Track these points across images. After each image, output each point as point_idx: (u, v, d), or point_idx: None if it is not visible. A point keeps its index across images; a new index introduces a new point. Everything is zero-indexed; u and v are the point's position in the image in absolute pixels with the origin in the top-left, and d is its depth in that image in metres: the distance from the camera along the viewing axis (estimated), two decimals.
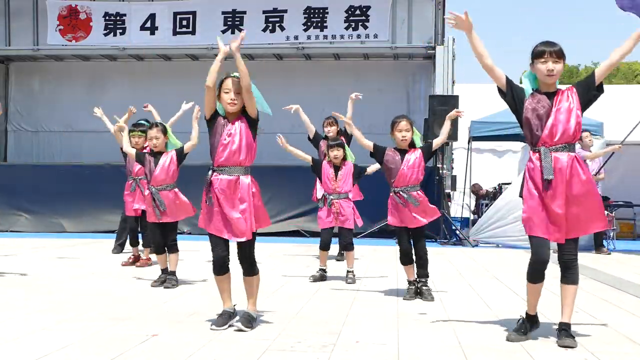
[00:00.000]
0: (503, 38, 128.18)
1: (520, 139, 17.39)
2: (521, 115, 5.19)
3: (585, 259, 11.03)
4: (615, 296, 7.20)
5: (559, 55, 5.09)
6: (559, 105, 5.09)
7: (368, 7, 16.81)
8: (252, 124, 5.56)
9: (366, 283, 8.16)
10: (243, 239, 5.40)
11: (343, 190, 8.48)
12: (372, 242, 13.49)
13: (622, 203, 16.91)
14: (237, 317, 5.49)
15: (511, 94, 5.26)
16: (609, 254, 12.47)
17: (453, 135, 14.26)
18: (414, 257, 7.14)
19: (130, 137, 8.77)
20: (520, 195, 5.27)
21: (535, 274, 5.15)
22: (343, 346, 4.83)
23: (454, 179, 17.15)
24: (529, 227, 5.10)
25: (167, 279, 7.67)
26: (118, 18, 17.70)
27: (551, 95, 5.15)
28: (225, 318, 5.45)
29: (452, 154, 18.15)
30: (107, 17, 17.74)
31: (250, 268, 5.55)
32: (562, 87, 5.35)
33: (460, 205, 20.76)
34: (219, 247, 5.50)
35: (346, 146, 8.64)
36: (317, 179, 9.16)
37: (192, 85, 17.91)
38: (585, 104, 5.16)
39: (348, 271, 8.40)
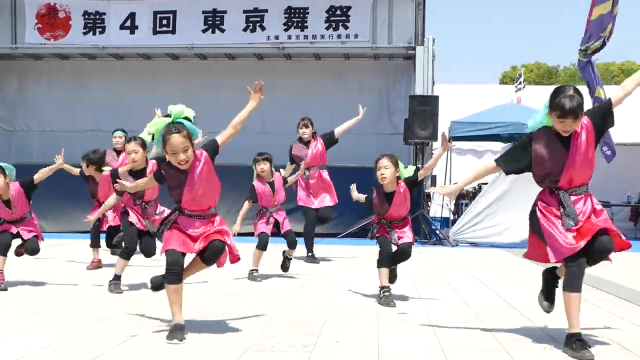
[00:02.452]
0: (481, 37, 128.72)
1: (500, 139, 17.52)
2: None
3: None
4: (593, 295, 7.24)
5: (578, 117, 4.88)
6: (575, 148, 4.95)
7: (349, 8, 16.81)
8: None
9: (346, 283, 8.16)
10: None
11: (279, 202, 8.82)
12: (352, 242, 13.51)
13: (600, 203, 17.01)
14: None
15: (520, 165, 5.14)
16: None
17: (433, 136, 14.33)
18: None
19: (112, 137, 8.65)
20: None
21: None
22: (323, 346, 4.83)
23: (434, 179, 17.22)
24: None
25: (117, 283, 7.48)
26: (98, 17, 17.58)
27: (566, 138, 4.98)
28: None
29: (432, 154, 18.19)
30: (86, 16, 17.61)
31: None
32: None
33: (440, 205, 20.87)
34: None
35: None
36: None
37: (172, 85, 18.03)
38: (599, 137, 5.07)
39: (288, 258, 8.76)
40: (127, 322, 5.61)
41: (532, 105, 17.03)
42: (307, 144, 10.65)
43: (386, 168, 6.74)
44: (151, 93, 17.21)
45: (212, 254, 5.34)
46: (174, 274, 5.21)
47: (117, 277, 7.42)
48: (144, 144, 7.36)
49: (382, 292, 6.78)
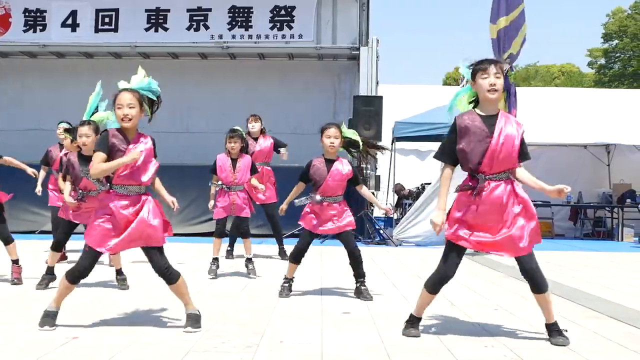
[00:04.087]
0: (425, 38, 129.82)
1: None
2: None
3: (505, 258, 11.26)
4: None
5: (497, 63, 5.08)
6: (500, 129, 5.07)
7: (293, 8, 16.84)
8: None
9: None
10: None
11: (240, 181, 8.71)
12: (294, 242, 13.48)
13: (540, 202, 17.32)
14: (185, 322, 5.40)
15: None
16: None
17: (377, 136, 14.40)
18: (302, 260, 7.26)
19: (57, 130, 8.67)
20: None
21: None
22: (267, 346, 4.82)
23: (378, 178, 17.30)
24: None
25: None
26: (39, 14, 17.34)
27: (492, 118, 5.12)
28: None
29: (376, 153, 18.27)
30: (27, 13, 17.36)
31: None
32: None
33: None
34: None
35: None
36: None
37: (115, 84, 17.80)
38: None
39: (248, 259, 8.71)
40: (68, 323, 5.53)
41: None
42: (255, 139, 10.75)
43: (336, 138, 7.00)
44: (93, 92, 17.00)
45: None
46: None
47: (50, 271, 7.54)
48: (97, 129, 7.30)
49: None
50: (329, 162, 7.05)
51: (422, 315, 5.38)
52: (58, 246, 7.61)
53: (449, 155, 5.24)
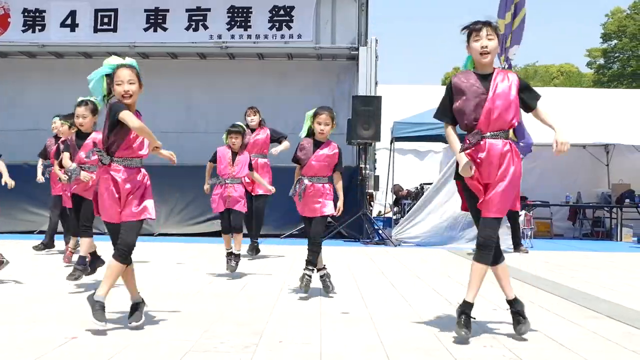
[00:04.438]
0: (423, 38, 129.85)
1: (442, 140, 17.67)
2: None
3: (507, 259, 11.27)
4: (533, 293, 7.36)
5: (490, 25, 5.10)
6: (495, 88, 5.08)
7: (292, 8, 16.84)
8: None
9: (289, 282, 8.15)
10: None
11: (238, 175, 8.82)
12: (295, 242, 13.50)
13: (539, 203, 17.35)
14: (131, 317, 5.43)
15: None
16: (527, 252, 12.78)
17: (376, 136, 14.43)
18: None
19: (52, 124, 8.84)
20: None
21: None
22: (266, 346, 4.82)
23: (376, 179, 17.31)
24: None
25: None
26: (37, 14, 17.32)
27: (487, 76, 5.13)
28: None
29: (375, 154, 18.33)
30: (26, 13, 17.34)
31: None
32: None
33: (383, 205, 20.99)
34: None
35: None
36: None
37: None
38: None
39: (235, 254, 8.72)
40: (66, 323, 5.52)
41: None
42: (253, 131, 10.84)
43: (326, 124, 7.14)
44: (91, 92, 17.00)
45: None
46: None
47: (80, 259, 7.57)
48: (94, 110, 7.55)
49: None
50: (317, 144, 7.20)
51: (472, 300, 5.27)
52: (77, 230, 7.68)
53: (446, 114, 5.26)
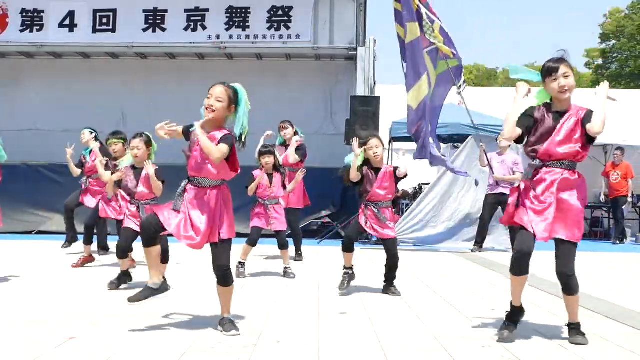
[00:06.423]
0: None
1: (441, 140, 17.64)
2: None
3: (502, 258, 11.29)
4: (531, 293, 7.36)
5: (564, 61, 5.17)
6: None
7: (290, 8, 16.84)
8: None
9: (288, 283, 8.17)
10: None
11: (277, 195, 8.98)
12: (293, 242, 13.48)
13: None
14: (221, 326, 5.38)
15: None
16: None
17: (374, 136, 14.41)
18: (354, 247, 7.54)
19: (108, 145, 8.86)
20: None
21: None
22: (264, 346, 4.83)
23: None
24: None
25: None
26: (36, 14, 17.31)
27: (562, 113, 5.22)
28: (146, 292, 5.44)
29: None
30: (24, 13, 17.33)
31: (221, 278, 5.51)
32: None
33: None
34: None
35: None
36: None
37: (112, 84, 17.81)
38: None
39: (286, 267, 8.83)
40: (65, 323, 5.53)
41: (471, 106, 17.28)
42: (286, 147, 10.78)
43: (377, 147, 7.57)
44: (90, 92, 17.02)
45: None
46: None
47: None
48: (148, 142, 7.53)
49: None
50: (376, 171, 7.54)
51: (519, 303, 5.43)
52: (125, 254, 7.65)
53: (521, 125, 5.26)
